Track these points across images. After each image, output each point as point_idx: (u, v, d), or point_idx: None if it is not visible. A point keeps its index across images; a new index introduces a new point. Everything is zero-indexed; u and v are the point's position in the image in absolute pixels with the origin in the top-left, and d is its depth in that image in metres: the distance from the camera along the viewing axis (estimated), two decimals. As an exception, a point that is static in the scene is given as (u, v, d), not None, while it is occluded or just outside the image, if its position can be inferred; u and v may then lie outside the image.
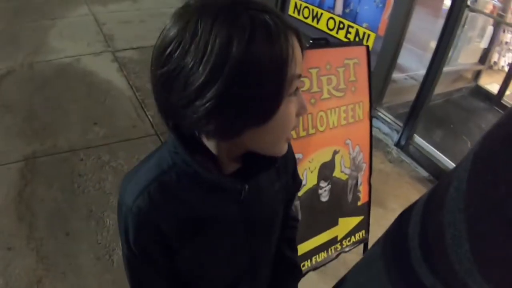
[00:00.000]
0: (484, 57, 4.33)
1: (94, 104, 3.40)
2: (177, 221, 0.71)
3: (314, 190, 1.90)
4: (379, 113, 3.43)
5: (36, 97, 3.40)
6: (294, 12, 3.81)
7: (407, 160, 3.19)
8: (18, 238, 2.24)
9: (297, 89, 0.66)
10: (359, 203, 2.13)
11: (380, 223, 2.37)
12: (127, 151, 2.91)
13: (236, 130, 0.64)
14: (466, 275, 0.45)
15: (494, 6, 4.02)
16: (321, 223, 1.99)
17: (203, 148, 0.70)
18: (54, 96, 3.44)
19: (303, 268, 1.93)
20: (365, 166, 2.12)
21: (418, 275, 0.52)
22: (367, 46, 2.00)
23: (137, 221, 0.70)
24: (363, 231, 2.19)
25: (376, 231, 2.27)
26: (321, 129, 1.85)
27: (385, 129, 3.41)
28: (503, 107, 4.01)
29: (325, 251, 2.03)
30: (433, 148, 3.09)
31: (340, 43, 2.76)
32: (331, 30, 3.51)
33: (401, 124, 3.24)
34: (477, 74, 4.41)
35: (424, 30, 3.69)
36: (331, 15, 3.49)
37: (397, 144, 3.26)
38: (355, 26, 3.31)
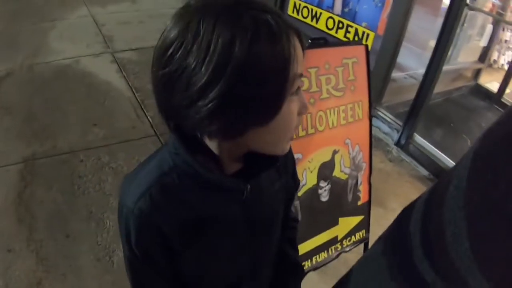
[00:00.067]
0: (484, 55, 4.33)
1: (94, 105, 3.40)
2: (179, 222, 0.71)
3: (314, 190, 1.90)
4: (379, 112, 3.43)
5: (36, 99, 3.40)
6: (293, 12, 3.81)
7: (407, 159, 3.19)
8: (18, 240, 2.24)
9: (298, 88, 0.66)
10: (359, 203, 2.13)
11: (381, 223, 2.36)
12: (126, 152, 2.91)
13: (239, 130, 0.64)
14: (466, 272, 0.45)
15: (493, 5, 4.03)
16: (321, 223, 1.99)
17: (204, 149, 0.70)
18: (53, 97, 3.43)
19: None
20: (365, 166, 2.11)
21: (419, 272, 0.52)
22: (366, 45, 1.99)
23: (138, 223, 0.70)
24: (364, 231, 2.19)
25: (377, 231, 2.27)
26: (320, 128, 1.84)
27: (385, 128, 3.40)
28: (503, 105, 4.00)
29: (326, 251, 2.02)
30: (433, 147, 3.09)
31: (338, 43, 2.76)
32: (330, 29, 3.51)
33: (401, 123, 3.24)
34: (477, 73, 4.41)
35: (423, 29, 3.69)
36: (330, 14, 3.49)
37: (397, 143, 3.26)
38: (354, 25, 3.31)
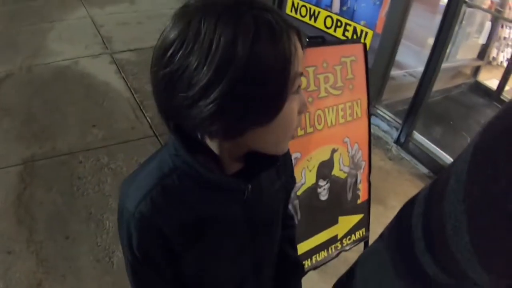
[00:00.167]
0: (483, 52, 4.33)
1: (93, 106, 3.40)
2: (180, 224, 0.71)
3: (313, 189, 1.90)
4: (378, 111, 3.43)
5: (35, 100, 3.40)
6: (291, 11, 3.81)
7: (407, 157, 3.19)
8: (17, 242, 2.24)
9: (298, 87, 0.66)
10: (359, 201, 2.13)
11: (380, 221, 2.36)
12: (126, 153, 2.91)
13: (240, 130, 0.64)
14: (466, 265, 0.46)
15: (492, 2, 4.02)
16: (320, 222, 1.99)
17: (205, 149, 0.70)
18: (52, 99, 3.43)
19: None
20: (364, 164, 2.11)
21: (421, 264, 0.53)
22: (364, 44, 1.99)
23: (140, 226, 0.69)
24: (363, 229, 2.18)
25: (377, 229, 2.27)
26: (319, 127, 1.84)
27: (385, 126, 3.40)
28: (503, 102, 4.00)
29: (325, 250, 2.02)
30: (432, 145, 3.09)
31: (336, 41, 2.75)
32: (328, 28, 3.50)
33: (400, 121, 3.24)
34: (476, 70, 4.40)
35: (422, 27, 3.69)
36: (329, 13, 3.48)
37: (397, 141, 3.26)
38: (353, 24, 3.30)
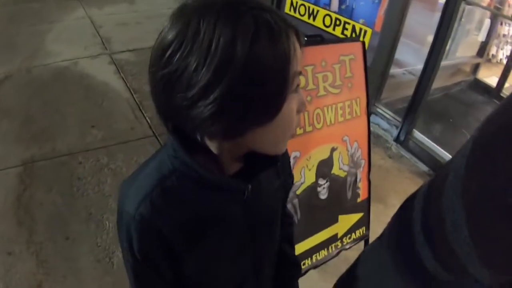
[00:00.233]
0: (482, 50, 4.32)
1: (92, 107, 3.40)
2: (181, 225, 0.71)
3: (313, 188, 1.90)
4: (378, 109, 3.42)
5: (34, 101, 3.40)
6: (290, 10, 3.80)
7: (407, 155, 3.19)
8: (18, 243, 2.24)
9: (297, 86, 0.66)
10: (359, 200, 2.13)
11: (381, 219, 2.36)
12: (125, 153, 2.91)
13: (240, 130, 0.64)
14: (466, 260, 0.46)
15: (491, -1, 4.01)
16: (320, 220, 1.98)
17: (204, 149, 0.69)
18: (51, 100, 3.43)
19: (303, 267, 1.92)
20: (363, 163, 2.11)
21: (421, 259, 0.53)
22: (363, 42, 1.99)
23: (140, 228, 0.69)
24: (364, 228, 2.18)
25: (377, 228, 2.26)
26: (318, 126, 1.84)
27: (384, 124, 3.40)
28: (502, 100, 3.99)
29: (326, 249, 2.02)
30: (432, 143, 3.09)
31: (335, 40, 2.75)
32: (327, 27, 3.50)
33: (400, 120, 3.24)
34: (476, 68, 4.40)
35: (421, 25, 3.69)
36: (327, 12, 3.48)
37: (397, 140, 3.25)
38: (352, 22, 3.30)
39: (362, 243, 2.22)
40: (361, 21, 3.25)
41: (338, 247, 2.07)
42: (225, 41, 0.57)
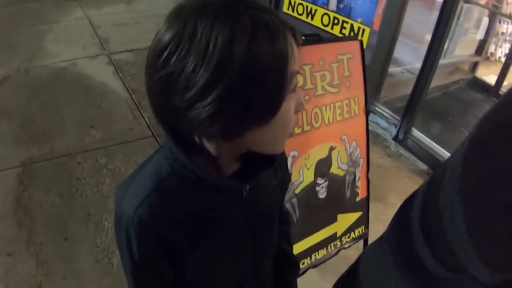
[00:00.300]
0: (481, 48, 4.32)
1: (91, 107, 3.40)
2: (180, 227, 0.71)
3: (311, 187, 1.90)
4: (377, 108, 3.42)
5: (33, 102, 3.39)
6: (288, 9, 3.80)
7: (406, 154, 3.19)
8: (17, 244, 2.24)
9: (295, 86, 0.66)
10: (358, 199, 2.13)
11: (380, 218, 2.36)
12: (124, 153, 2.91)
13: (239, 131, 0.64)
14: (464, 257, 0.46)
15: (489, -3, 4.01)
16: (319, 220, 1.99)
17: (202, 151, 0.69)
18: (50, 100, 3.43)
19: (302, 266, 1.93)
20: (362, 162, 2.11)
21: (420, 258, 0.53)
22: (361, 41, 1.99)
23: (139, 231, 0.69)
24: (363, 227, 2.18)
25: (376, 227, 2.27)
26: (316, 125, 1.84)
27: (383, 123, 3.40)
28: (501, 98, 3.99)
29: (325, 248, 2.02)
30: (431, 141, 3.09)
31: (333, 39, 2.75)
32: (325, 26, 3.50)
33: (399, 118, 3.23)
34: (474, 66, 4.39)
35: (419, 23, 3.68)
36: (326, 11, 3.48)
37: (396, 138, 3.25)
38: (350, 21, 3.30)
39: (361, 242, 2.22)
40: (359, 20, 3.25)
41: (337, 246, 2.07)
42: (223, 41, 0.56)
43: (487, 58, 4.49)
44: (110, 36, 4.57)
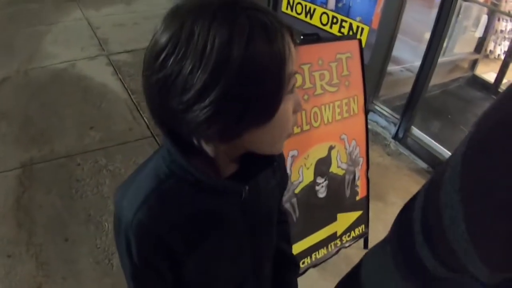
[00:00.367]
0: (480, 46, 4.32)
1: (90, 108, 3.40)
2: (180, 229, 0.70)
3: (311, 186, 1.90)
4: (376, 107, 3.42)
5: (32, 104, 3.39)
6: (287, 9, 3.80)
7: (406, 152, 3.18)
8: (17, 245, 2.24)
9: (293, 86, 0.66)
10: (358, 198, 2.13)
11: (380, 217, 2.36)
12: (124, 154, 2.91)
13: (237, 132, 0.63)
14: (464, 256, 0.46)
15: (488, -5, 4.01)
16: (319, 219, 1.99)
17: (200, 152, 0.69)
18: (49, 102, 3.43)
19: (302, 265, 1.93)
20: (362, 161, 2.11)
21: (421, 259, 0.53)
22: (360, 40, 1.99)
23: (139, 233, 0.68)
24: (363, 226, 2.19)
25: (376, 225, 2.27)
26: (315, 125, 1.84)
27: (383, 122, 3.40)
28: (501, 96, 3.98)
29: (325, 247, 2.02)
30: (431, 140, 3.08)
31: (331, 38, 2.75)
32: (324, 25, 3.50)
33: (398, 117, 3.23)
34: (473, 64, 4.39)
35: (418, 21, 3.68)
36: (324, 10, 3.48)
37: (395, 137, 3.25)
38: (349, 20, 3.30)
39: (361, 241, 2.22)
40: (358, 18, 3.25)
41: (338, 245, 2.08)
42: (220, 42, 0.56)
43: (486, 56, 4.49)
44: (109, 36, 4.57)
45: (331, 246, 2.05)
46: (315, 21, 3.57)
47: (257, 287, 0.91)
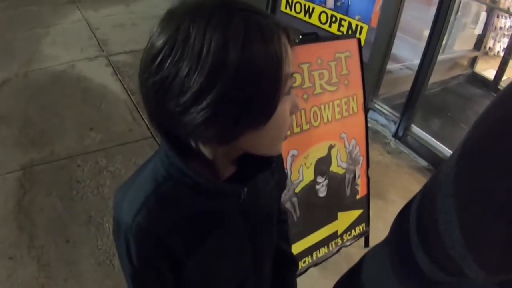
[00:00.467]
0: (479, 43, 4.31)
1: (90, 109, 3.40)
2: (179, 231, 0.71)
3: (311, 186, 1.90)
4: (376, 105, 3.42)
5: (32, 106, 3.39)
6: (286, 8, 3.80)
7: (406, 150, 3.18)
8: (19, 247, 2.24)
9: (290, 87, 0.66)
10: (358, 197, 2.13)
11: (381, 216, 2.36)
12: (124, 155, 2.91)
13: (235, 134, 0.63)
14: (460, 261, 0.46)
15: (486, -8, 4.00)
16: (320, 218, 1.99)
17: (198, 155, 0.69)
18: (49, 103, 3.43)
19: (303, 265, 1.93)
20: (362, 159, 2.11)
21: (416, 262, 0.53)
22: (359, 39, 1.99)
23: (138, 236, 0.68)
24: (363, 224, 2.19)
25: (377, 224, 2.27)
26: (315, 124, 1.84)
27: (383, 120, 3.40)
28: (500, 93, 3.98)
29: (326, 246, 2.02)
30: (431, 138, 3.08)
31: (330, 37, 2.75)
32: (323, 24, 3.50)
33: (398, 115, 3.23)
34: (473, 61, 4.39)
35: (417, 19, 3.68)
36: (323, 9, 3.47)
37: (395, 135, 3.25)
38: (348, 19, 3.30)
39: (362, 239, 2.22)
40: (357, 17, 3.24)
41: (338, 244, 2.08)
42: (216, 45, 0.56)
43: (486, 53, 4.49)
44: (108, 37, 4.57)
45: (332, 245, 2.05)
46: (314, 20, 3.56)
47: (257, 286, 0.92)
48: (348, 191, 2.07)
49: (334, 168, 1.98)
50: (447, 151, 2.93)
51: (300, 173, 1.84)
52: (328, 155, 1.94)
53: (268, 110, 0.62)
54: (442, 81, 4.03)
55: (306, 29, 3.48)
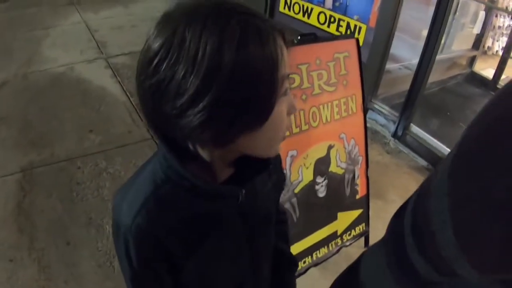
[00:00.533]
0: (478, 42, 4.32)
1: (89, 111, 3.40)
2: (178, 234, 0.71)
3: (311, 186, 1.90)
4: (375, 105, 3.42)
5: (31, 108, 3.40)
6: (284, 8, 3.81)
7: (405, 150, 3.19)
8: (19, 249, 2.24)
9: (286, 89, 0.66)
10: (358, 197, 2.13)
11: (380, 215, 2.36)
12: (123, 156, 2.91)
13: (232, 136, 0.63)
14: (453, 260, 0.46)
15: (485, -9, 4.01)
16: (319, 218, 1.99)
17: (195, 157, 0.69)
18: (49, 105, 3.43)
19: (303, 265, 1.93)
20: (361, 159, 2.11)
21: (411, 261, 0.53)
22: (357, 39, 1.99)
23: (137, 238, 0.69)
24: (363, 224, 2.19)
25: (377, 224, 2.27)
26: (314, 124, 1.84)
27: (382, 120, 3.40)
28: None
29: (326, 247, 2.03)
30: (430, 137, 3.09)
31: (329, 37, 2.75)
32: (322, 24, 3.50)
33: (397, 115, 3.23)
34: (472, 60, 4.40)
35: (416, 19, 3.68)
36: (322, 9, 3.48)
37: (394, 135, 3.25)
38: (346, 19, 3.30)
39: (362, 239, 2.22)
40: (355, 17, 3.25)
41: (338, 244, 2.08)
42: (212, 48, 0.56)
43: (485, 52, 4.49)
44: (107, 39, 4.58)
45: (331, 245, 2.05)
46: (313, 20, 3.57)
47: (256, 287, 0.92)
48: (347, 191, 2.07)
49: (333, 168, 1.98)
50: (446, 151, 2.93)
51: (300, 173, 1.84)
52: (327, 155, 1.94)
53: (264, 112, 0.62)
54: (441, 81, 4.04)
55: (305, 29, 3.49)
